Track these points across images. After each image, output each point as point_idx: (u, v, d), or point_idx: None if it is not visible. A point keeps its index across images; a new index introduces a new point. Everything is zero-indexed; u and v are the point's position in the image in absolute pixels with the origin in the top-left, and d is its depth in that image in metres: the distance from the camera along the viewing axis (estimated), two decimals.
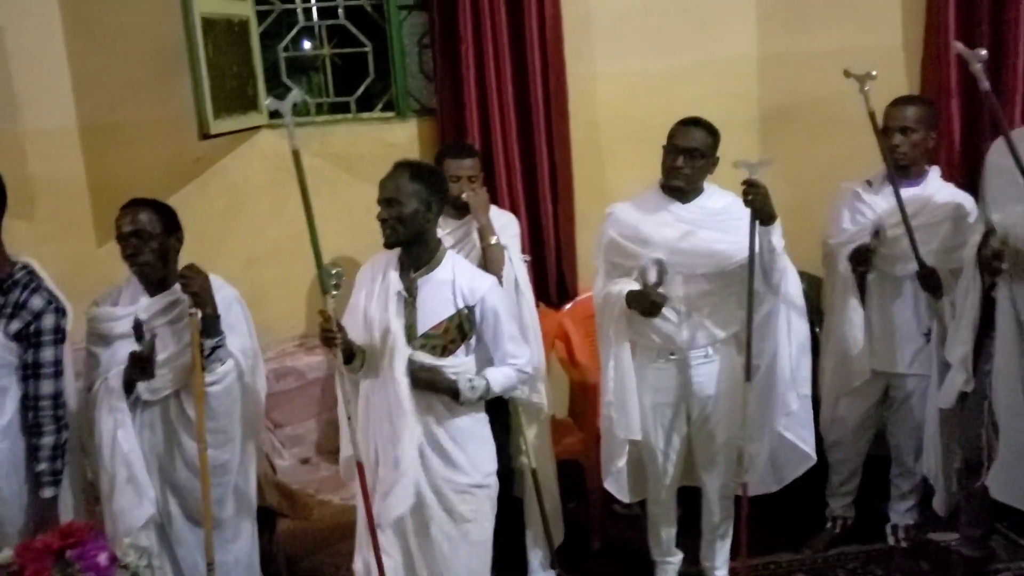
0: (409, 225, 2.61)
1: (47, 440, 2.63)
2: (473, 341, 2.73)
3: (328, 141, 4.01)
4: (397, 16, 4.01)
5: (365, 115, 4.16)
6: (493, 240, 3.13)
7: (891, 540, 3.54)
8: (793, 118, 4.03)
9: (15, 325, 2.58)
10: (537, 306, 3.32)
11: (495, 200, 3.40)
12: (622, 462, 3.18)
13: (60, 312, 2.63)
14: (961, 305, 3.01)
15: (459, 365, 2.69)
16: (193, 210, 3.82)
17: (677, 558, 3.39)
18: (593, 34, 3.96)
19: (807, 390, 3.17)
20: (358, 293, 2.78)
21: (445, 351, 2.68)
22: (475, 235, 3.18)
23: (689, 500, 3.37)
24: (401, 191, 2.60)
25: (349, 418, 2.68)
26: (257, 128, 3.88)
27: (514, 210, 3.75)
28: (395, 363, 2.62)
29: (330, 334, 2.56)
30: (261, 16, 3.99)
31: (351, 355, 2.67)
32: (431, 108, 4.03)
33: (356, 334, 2.70)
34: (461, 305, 2.67)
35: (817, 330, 3.51)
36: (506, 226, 3.28)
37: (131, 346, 2.65)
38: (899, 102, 3.28)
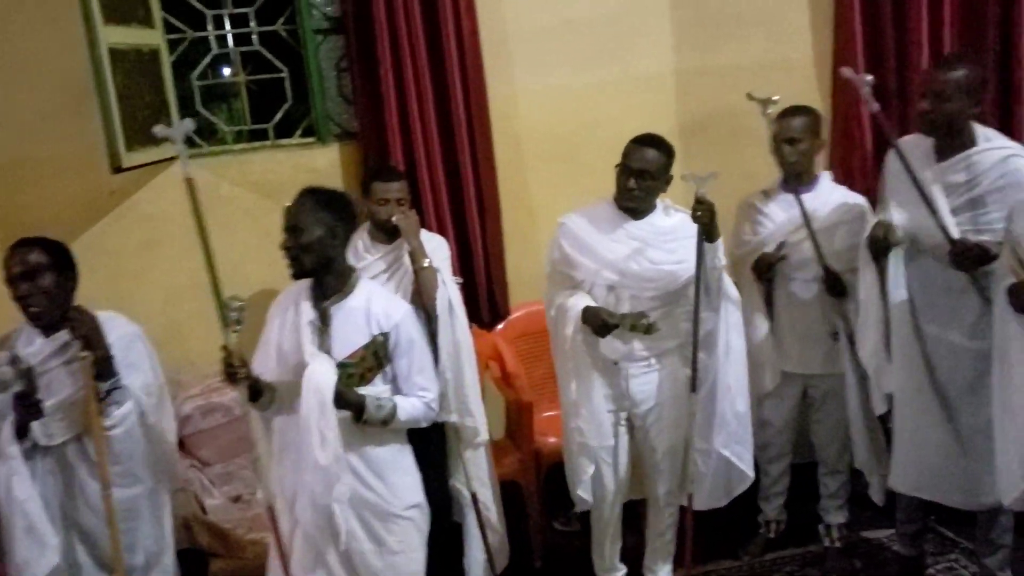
0: (313, 253, 2.54)
1: None
2: (390, 370, 2.65)
3: (247, 169, 3.93)
4: (313, 40, 3.95)
5: (284, 141, 4.08)
6: (426, 263, 3.09)
7: (825, 541, 3.59)
8: (710, 130, 4.10)
9: None
10: (469, 327, 3.29)
11: (422, 222, 3.38)
12: (592, 468, 3.16)
13: None
14: (865, 302, 3.12)
15: (378, 395, 2.60)
16: (109, 245, 3.76)
17: (621, 573, 3.40)
18: (512, 52, 3.97)
19: (744, 407, 3.20)
20: (270, 325, 2.70)
21: (363, 379, 2.60)
22: (406, 259, 3.14)
23: (635, 513, 3.38)
24: (304, 218, 2.53)
25: (257, 459, 2.58)
26: (172, 159, 3.76)
27: (442, 231, 3.73)
28: (312, 377, 2.50)
29: (231, 369, 2.48)
30: (173, 45, 3.90)
31: (258, 392, 2.58)
32: (352, 132, 3.98)
33: (269, 367, 2.62)
34: (376, 331, 2.60)
35: None
36: (437, 248, 3.25)
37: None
38: (785, 114, 3.35)
